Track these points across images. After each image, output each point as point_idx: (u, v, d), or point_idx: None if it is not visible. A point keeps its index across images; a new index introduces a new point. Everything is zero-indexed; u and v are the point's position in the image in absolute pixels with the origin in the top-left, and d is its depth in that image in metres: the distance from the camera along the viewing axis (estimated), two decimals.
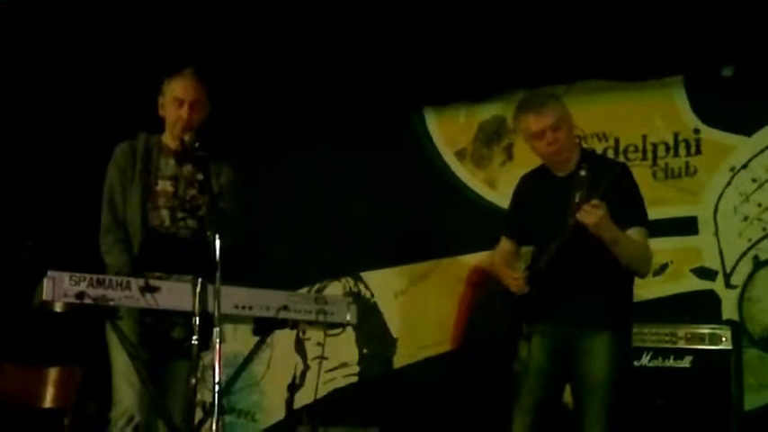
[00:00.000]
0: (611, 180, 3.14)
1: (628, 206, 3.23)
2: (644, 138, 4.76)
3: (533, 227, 3.46)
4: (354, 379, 5.24)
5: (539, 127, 3.34)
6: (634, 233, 3.25)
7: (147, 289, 3.05)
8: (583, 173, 3.16)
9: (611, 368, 3.26)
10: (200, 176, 3.37)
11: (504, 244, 3.63)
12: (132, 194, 3.46)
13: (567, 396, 3.41)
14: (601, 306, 3.30)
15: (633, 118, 4.78)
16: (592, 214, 3.08)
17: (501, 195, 4.91)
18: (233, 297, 3.12)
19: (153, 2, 4.55)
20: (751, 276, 4.42)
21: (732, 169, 4.54)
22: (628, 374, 3.39)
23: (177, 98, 3.50)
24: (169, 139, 3.57)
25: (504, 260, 3.58)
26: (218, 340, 2.89)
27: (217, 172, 3.58)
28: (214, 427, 2.86)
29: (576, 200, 3.13)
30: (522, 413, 3.36)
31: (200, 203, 3.48)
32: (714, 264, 4.52)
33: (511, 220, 3.65)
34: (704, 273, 4.54)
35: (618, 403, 3.25)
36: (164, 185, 3.52)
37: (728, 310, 4.42)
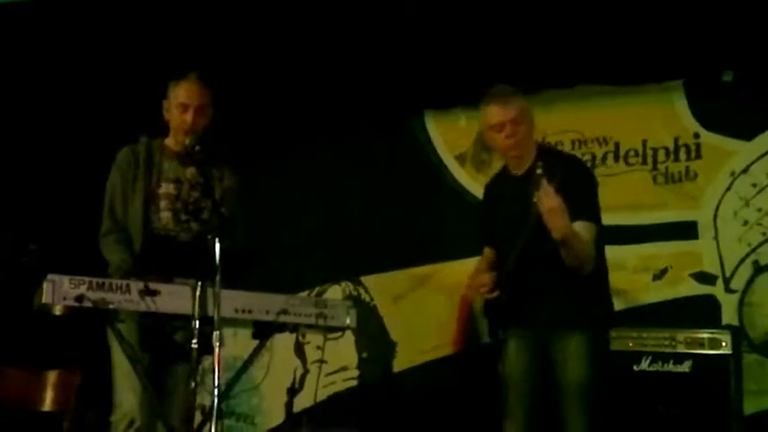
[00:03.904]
0: (563, 174, 3.09)
1: (577, 198, 3.15)
2: (644, 142, 4.76)
3: (500, 230, 3.44)
4: (354, 383, 5.23)
5: (499, 119, 3.35)
6: (580, 227, 3.17)
7: (147, 292, 3.04)
8: (539, 171, 3.10)
9: (589, 370, 3.21)
10: (202, 179, 3.38)
11: (486, 252, 3.61)
12: (135, 197, 3.47)
13: None
14: (573, 307, 3.25)
15: (633, 122, 4.78)
16: (548, 199, 3.02)
17: None
18: (233, 300, 3.12)
19: (157, 6, 4.55)
20: (751, 281, 4.42)
21: (732, 174, 4.54)
22: (608, 376, 3.32)
23: (182, 103, 3.51)
24: (173, 143, 3.58)
25: (485, 268, 3.52)
26: (217, 344, 2.89)
27: (219, 176, 3.60)
28: (213, 430, 2.86)
29: (535, 198, 3.10)
30: (515, 421, 3.32)
31: (204, 206, 3.49)
32: (714, 268, 4.52)
33: (484, 227, 3.64)
34: (704, 277, 4.53)
35: (601, 406, 3.20)
36: (167, 188, 3.53)
37: (728, 315, 4.42)
